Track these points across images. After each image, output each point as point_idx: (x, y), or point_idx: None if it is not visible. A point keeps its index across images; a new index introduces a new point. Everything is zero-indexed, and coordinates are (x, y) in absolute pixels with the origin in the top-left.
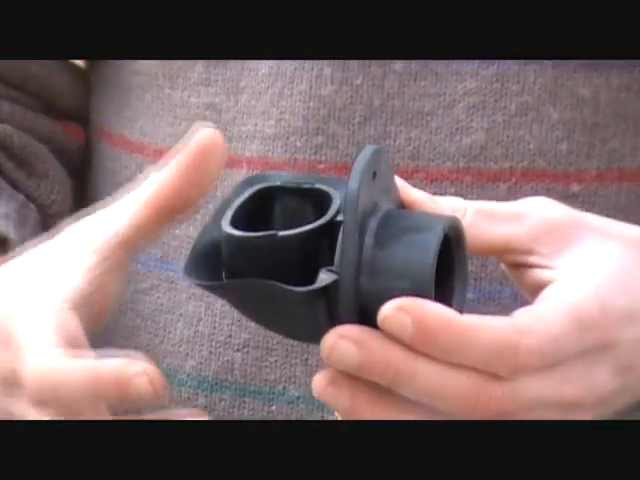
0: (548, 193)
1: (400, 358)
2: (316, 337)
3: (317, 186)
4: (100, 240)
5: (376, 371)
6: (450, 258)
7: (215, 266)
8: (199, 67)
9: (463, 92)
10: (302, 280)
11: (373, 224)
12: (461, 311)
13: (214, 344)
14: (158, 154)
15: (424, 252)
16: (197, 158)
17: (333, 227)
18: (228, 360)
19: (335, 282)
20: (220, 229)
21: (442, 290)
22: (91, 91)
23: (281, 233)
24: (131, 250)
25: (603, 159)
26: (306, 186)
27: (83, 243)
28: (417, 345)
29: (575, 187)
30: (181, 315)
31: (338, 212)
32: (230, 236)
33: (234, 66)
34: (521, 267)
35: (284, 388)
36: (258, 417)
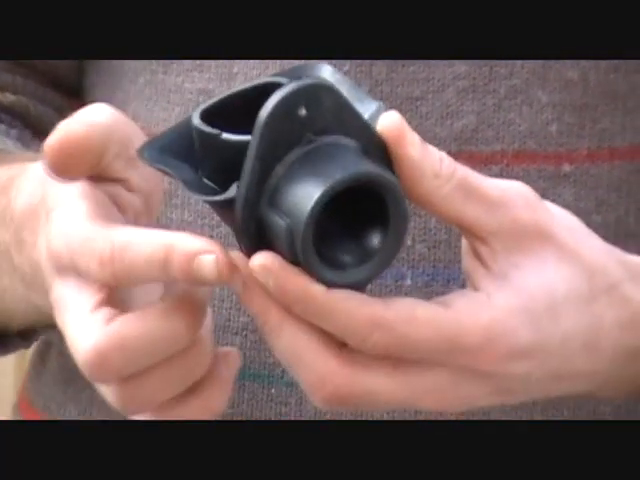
0: (540, 174)
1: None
2: None
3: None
4: None
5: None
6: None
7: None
8: None
9: (452, 76)
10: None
11: (294, 155)
12: (388, 263)
13: (213, 328)
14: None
15: (308, 200)
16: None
17: None
18: (227, 344)
19: (233, 198)
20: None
21: (368, 237)
22: (83, 72)
23: (224, 136)
24: None
25: (593, 139)
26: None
27: None
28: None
29: (566, 167)
30: None
31: None
32: (192, 124)
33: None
34: (472, 252)
35: (283, 371)
36: (257, 400)
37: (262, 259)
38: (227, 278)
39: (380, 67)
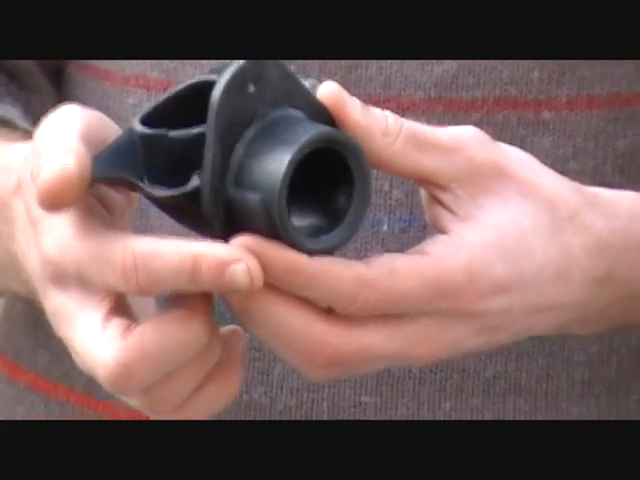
0: (519, 121)
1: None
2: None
3: None
4: None
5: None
6: (349, 170)
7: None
8: None
9: None
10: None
11: (250, 133)
12: (359, 222)
13: None
14: (125, 81)
15: (279, 166)
16: None
17: None
18: None
19: (198, 188)
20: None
21: (334, 201)
22: None
23: (171, 133)
24: None
25: (573, 86)
26: None
27: None
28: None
29: (546, 115)
30: None
31: None
32: (133, 130)
33: None
34: (434, 201)
35: None
36: None
37: (241, 241)
38: (259, 285)
39: None
